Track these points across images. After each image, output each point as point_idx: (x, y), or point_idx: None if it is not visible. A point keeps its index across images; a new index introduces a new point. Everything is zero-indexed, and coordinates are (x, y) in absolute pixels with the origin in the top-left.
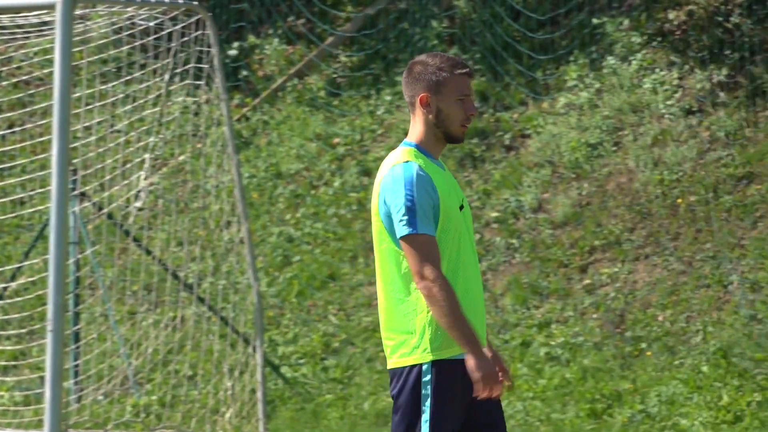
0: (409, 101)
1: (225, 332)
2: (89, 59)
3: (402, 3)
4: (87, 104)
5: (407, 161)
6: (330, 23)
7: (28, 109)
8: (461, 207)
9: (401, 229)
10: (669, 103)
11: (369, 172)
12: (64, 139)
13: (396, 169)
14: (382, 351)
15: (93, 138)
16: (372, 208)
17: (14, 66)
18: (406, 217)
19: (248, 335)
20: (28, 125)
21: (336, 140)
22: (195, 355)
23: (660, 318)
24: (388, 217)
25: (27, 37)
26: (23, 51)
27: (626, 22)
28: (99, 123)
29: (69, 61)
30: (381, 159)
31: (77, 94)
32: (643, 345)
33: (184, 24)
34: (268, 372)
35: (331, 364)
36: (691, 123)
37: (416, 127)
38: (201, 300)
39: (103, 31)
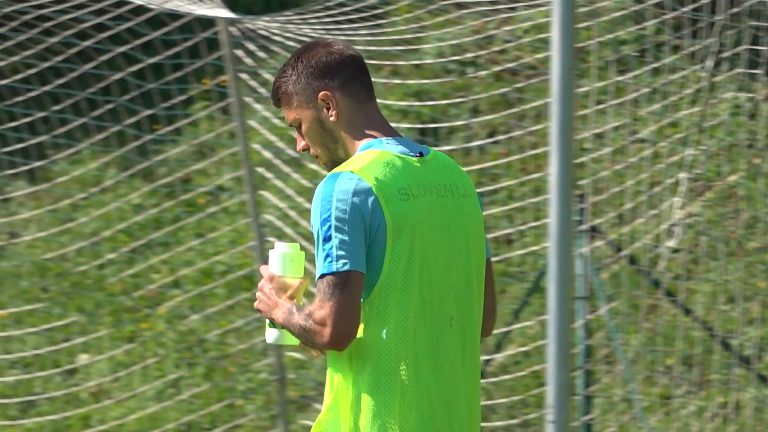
0: None
1: None
2: (600, 39)
3: None
4: (598, 103)
5: None
6: None
7: (515, 110)
8: None
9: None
10: None
11: None
12: (567, 153)
13: None
14: None
15: (607, 150)
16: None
17: (496, 49)
18: None
19: None
20: (516, 132)
21: None
22: None
23: None
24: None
25: (513, 9)
26: (508, 28)
27: None
28: (615, 129)
29: (572, 43)
30: None
31: (584, 89)
32: None
33: None
34: None
35: None
36: None
37: None
38: (763, 379)
39: None
